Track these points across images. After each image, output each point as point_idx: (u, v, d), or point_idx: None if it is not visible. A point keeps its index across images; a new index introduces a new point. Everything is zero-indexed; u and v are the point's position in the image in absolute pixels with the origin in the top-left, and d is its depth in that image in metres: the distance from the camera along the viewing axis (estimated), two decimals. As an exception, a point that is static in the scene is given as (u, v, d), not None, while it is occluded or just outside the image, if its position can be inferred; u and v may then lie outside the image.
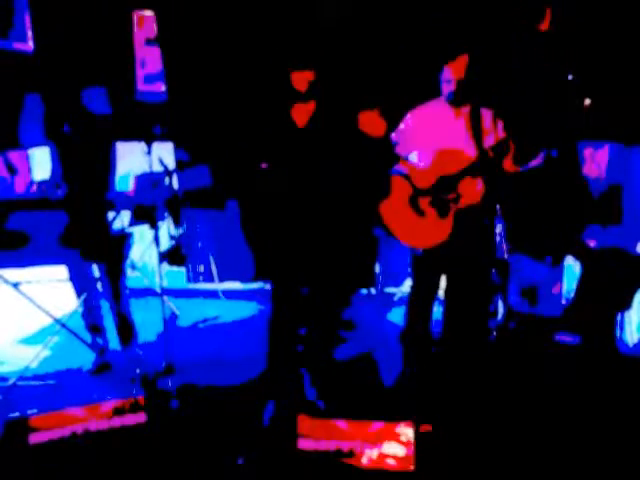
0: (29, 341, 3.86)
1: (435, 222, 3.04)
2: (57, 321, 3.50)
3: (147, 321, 3.79)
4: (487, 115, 3.06)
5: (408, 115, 3.16)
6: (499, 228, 3.66)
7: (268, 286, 3.07)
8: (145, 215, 3.58)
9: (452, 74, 2.98)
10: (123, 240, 3.62)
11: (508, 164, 3.01)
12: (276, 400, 2.89)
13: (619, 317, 3.66)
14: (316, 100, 2.95)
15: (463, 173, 2.99)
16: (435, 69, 3.08)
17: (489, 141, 3.00)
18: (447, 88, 3.02)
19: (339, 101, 3.10)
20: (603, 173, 4.19)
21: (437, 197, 3.03)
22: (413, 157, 3.08)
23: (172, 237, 4.48)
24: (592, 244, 4.08)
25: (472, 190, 3.02)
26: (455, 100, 3.03)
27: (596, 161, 4.21)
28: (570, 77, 2.98)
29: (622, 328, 3.66)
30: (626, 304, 3.67)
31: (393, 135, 3.14)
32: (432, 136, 3.05)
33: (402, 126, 3.16)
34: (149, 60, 5.20)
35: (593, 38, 4.09)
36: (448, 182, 3.01)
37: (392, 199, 3.08)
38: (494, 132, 3.04)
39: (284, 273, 3.01)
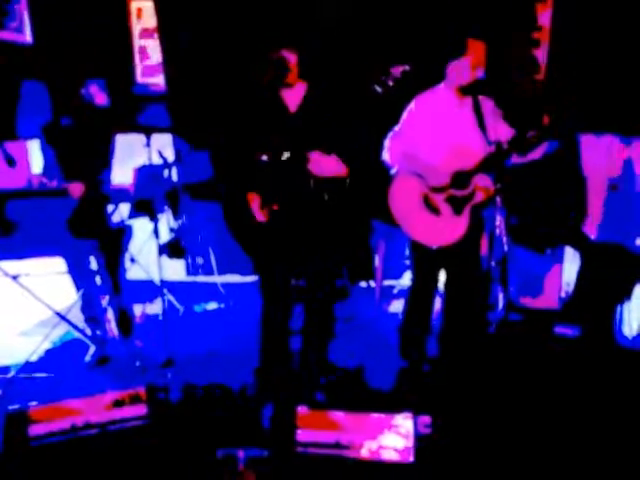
0: (29, 333, 3.86)
1: (450, 220, 3.01)
2: (57, 313, 3.50)
3: (146, 313, 3.81)
4: (488, 105, 3.04)
5: (412, 103, 3.09)
6: (499, 220, 3.66)
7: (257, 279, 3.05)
8: (144, 208, 3.57)
9: (471, 61, 2.91)
10: (122, 233, 3.61)
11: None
12: (274, 393, 2.89)
13: (618, 310, 3.67)
14: (307, 84, 2.91)
15: (478, 168, 2.96)
16: (439, 53, 3.04)
17: (494, 133, 2.96)
18: (464, 75, 2.94)
19: (331, 84, 3.06)
20: (604, 166, 4.18)
21: (452, 194, 3.01)
22: (422, 151, 3.04)
23: (172, 230, 4.47)
24: (592, 236, 4.08)
25: (486, 185, 2.99)
26: (465, 88, 2.96)
27: (598, 154, 4.20)
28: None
29: (621, 321, 3.66)
30: (625, 297, 3.67)
31: (396, 128, 3.09)
32: (439, 126, 3.00)
33: (406, 115, 3.09)
34: (148, 52, 5.18)
35: (594, 30, 4.07)
36: (463, 178, 2.99)
37: (406, 198, 3.03)
38: (497, 123, 3.02)
39: (271, 266, 2.98)
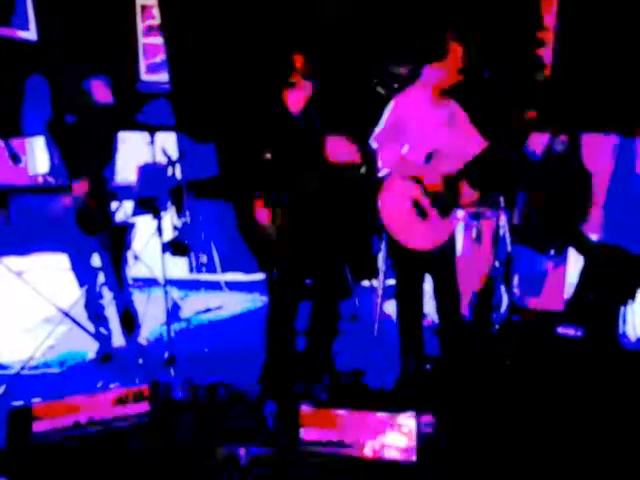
0: (33, 330, 3.87)
1: (437, 223, 3.00)
2: (60, 310, 3.50)
3: (150, 311, 3.81)
4: (459, 109, 3.08)
5: (391, 103, 3.06)
6: (503, 220, 3.66)
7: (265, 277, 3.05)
8: (148, 205, 3.58)
9: (452, 64, 2.93)
10: (126, 230, 3.62)
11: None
12: (278, 391, 2.89)
13: (622, 311, 3.66)
14: (313, 86, 2.91)
15: (465, 170, 2.97)
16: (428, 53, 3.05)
17: (465, 137, 3.02)
18: (445, 78, 2.97)
19: (335, 87, 3.05)
20: (608, 166, 4.17)
21: (439, 198, 3.00)
22: (405, 150, 3.03)
23: (175, 227, 4.48)
24: (595, 237, 4.07)
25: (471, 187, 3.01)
26: (443, 91, 3.00)
27: (601, 154, 4.20)
28: None
29: (625, 322, 3.66)
30: (629, 298, 3.66)
31: (377, 130, 3.04)
32: (416, 127, 2.99)
33: (387, 116, 3.05)
34: (152, 49, 5.18)
35: (599, 31, 4.07)
36: (451, 181, 2.99)
37: (395, 201, 3.00)
38: (468, 128, 3.08)
39: (278, 265, 2.98)
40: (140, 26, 5.20)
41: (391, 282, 4.70)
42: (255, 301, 4.50)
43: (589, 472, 2.40)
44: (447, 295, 3.14)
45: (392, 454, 2.38)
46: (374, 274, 4.69)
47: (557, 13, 4.30)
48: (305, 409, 2.46)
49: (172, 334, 3.41)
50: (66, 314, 3.49)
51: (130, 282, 3.64)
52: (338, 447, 2.40)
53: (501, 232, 3.65)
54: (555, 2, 4.30)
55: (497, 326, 3.72)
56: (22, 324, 3.95)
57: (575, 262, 4.01)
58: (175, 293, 4.36)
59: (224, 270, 5.04)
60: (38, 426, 2.44)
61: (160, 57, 5.12)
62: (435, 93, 3.01)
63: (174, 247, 4.36)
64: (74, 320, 3.55)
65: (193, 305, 4.45)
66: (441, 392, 2.96)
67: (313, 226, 2.98)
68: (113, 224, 3.51)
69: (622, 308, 3.67)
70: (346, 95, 3.07)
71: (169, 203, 4.25)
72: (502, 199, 3.67)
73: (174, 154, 4.45)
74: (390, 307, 4.37)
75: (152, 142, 3.42)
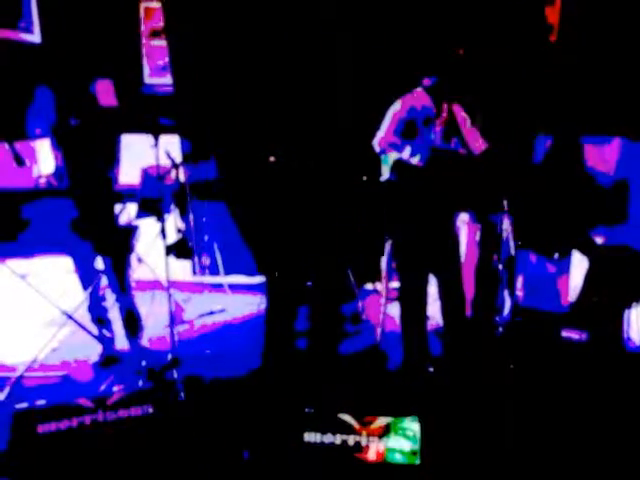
0: (37, 333, 3.88)
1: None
2: (64, 313, 3.51)
3: (153, 313, 3.82)
4: (460, 112, 3.09)
5: (393, 108, 3.08)
6: (506, 224, 3.66)
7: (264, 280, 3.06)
8: (151, 208, 3.58)
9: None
10: (129, 233, 3.62)
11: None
12: (280, 393, 2.90)
13: (626, 314, 3.65)
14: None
15: (467, 173, 2.98)
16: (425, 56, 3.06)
17: (470, 140, 3.03)
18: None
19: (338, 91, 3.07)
20: (612, 169, 4.17)
21: (441, 200, 3.00)
22: (406, 153, 3.04)
23: (179, 230, 4.48)
24: (600, 241, 4.06)
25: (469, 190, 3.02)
26: (438, 93, 3.01)
27: (605, 156, 4.19)
28: None
29: (629, 325, 3.65)
30: (634, 301, 3.65)
31: (380, 134, 3.06)
32: (422, 131, 3.02)
33: (388, 122, 3.07)
34: (156, 52, 5.20)
35: (602, 33, 4.07)
36: (454, 184, 2.99)
37: (397, 206, 3.02)
38: (470, 130, 3.10)
39: (282, 267, 3.00)
40: (145, 28, 5.21)
41: (395, 284, 4.73)
42: (259, 303, 4.50)
43: (592, 475, 2.39)
44: (451, 297, 3.15)
45: (396, 457, 2.38)
46: (377, 276, 4.69)
47: (560, 15, 4.30)
48: (308, 411, 2.46)
49: (175, 336, 3.42)
50: (69, 317, 3.50)
51: (133, 285, 3.64)
52: (342, 450, 2.40)
53: (504, 235, 3.64)
54: (558, 4, 4.30)
55: (500, 329, 3.72)
56: (26, 326, 3.96)
57: (579, 265, 4.00)
58: (178, 295, 4.37)
59: (227, 272, 5.04)
60: (42, 428, 2.45)
61: (164, 60, 5.13)
62: (435, 97, 3.02)
63: (177, 249, 4.37)
64: (77, 323, 3.56)
65: (196, 307, 4.46)
66: (445, 395, 2.96)
67: (316, 229, 2.98)
68: (117, 227, 3.52)
69: (627, 311, 3.66)
70: (348, 99, 3.07)
71: (172, 206, 4.25)
72: (505, 202, 3.66)
73: (178, 156, 4.47)
74: (394, 309, 4.38)
75: (156, 145, 3.42)
